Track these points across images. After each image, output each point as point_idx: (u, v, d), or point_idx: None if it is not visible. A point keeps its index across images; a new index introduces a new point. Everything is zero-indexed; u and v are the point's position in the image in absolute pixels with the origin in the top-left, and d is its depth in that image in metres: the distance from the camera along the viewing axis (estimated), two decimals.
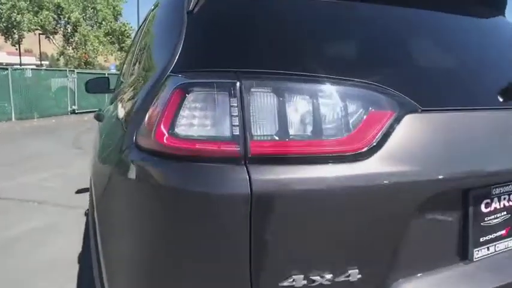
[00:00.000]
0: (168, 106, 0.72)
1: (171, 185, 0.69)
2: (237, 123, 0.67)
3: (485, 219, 0.87)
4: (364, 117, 0.71)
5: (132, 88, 1.13)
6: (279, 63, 0.76)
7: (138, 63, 1.44)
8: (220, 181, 0.66)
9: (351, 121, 0.71)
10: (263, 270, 0.68)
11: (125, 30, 20.80)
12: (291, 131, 0.69)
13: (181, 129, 0.71)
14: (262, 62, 0.77)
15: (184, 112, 0.71)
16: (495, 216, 0.88)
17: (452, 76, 0.88)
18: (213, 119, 0.70)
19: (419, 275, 0.80)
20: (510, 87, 0.87)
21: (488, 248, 0.87)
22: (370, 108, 0.72)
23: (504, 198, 0.88)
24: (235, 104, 0.68)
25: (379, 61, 0.84)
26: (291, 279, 0.69)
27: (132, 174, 0.80)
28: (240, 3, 0.88)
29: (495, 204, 0.87)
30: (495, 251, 0.87)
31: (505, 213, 0.89)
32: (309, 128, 0.70)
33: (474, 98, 0.85)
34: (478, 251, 0.85)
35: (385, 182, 0.69)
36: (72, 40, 19.60)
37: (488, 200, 0.87)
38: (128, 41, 19.41)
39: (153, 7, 1.55)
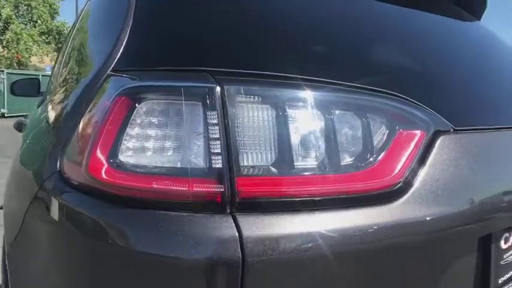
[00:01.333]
0: (109, 121, 0.47)
1: (112, 243, 0.45)
2: (219, 150, 0.44)
3: (504, 256, 0.72)
4: (392, 139, 0.51)
5: (59, 93, 0.85)
6: (272, 64, 0.54)
7: (69, 62, 1.16)
8: (194, 241, 0.43)
9: (375, 146, 0.51)
10: None
11: (63, 30, 19.42)
12: (296, 162, 0.47)
13: (128, 157, 0.47)
14: (247, 60, 0.54)
15: (133, 130, 0.47)
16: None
17: (476, 90, 0.72)
18: (179, 141, 0.46)
19: None
20: None
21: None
22: (398, 128, 0.52)
23: None
24: (215, 121, 0.45)
25: (396, 67, 0.66)
26: None
27: (54, 217, 0.54)
28: None
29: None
30: None
31: None
32: (320, 157, 0.48)
33: (500, 115, 0.69)
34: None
35: (425, 229, 0.50)
36: (2, 38, 17.91)
37: (507, 234, 0.73)
38: None
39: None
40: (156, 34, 0.60)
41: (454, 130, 0.57)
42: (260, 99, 0.47)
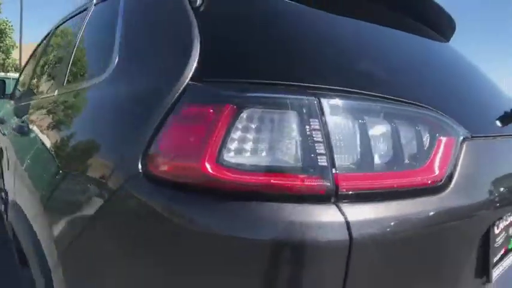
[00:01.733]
0: (218, 126, 0.55)
1: (235, 232, 0.52)
2: (323, 151, 0.54)
3: (496, 240, 0.90)
4: (435, 144, 0.65)
5: (94, 99, 0.87)
6: (346, 80, 0.65)
7: (85, 67, 1.17)
8: (307, 226, 0.52)
9: (425, 149, 0.64)
10: None
11: (5, 28, 17.65)
12: (377, 161, 0.59)
13: (241, 158, 0.55)
14: (322, 75, 0.65)
15: (235, 135, 0.55)
16: (500, 236, 0.92)
17: (477, 104, 0.90)
18: (287, 144, 0.55)
19: None
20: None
21: (499, 267, 0.90)
22: (438, 135, 0.66)
23: (505, 219, 0.94)
24: (317, 127, 0.55)
25: (426, 86, 0.81)
26: None
27: (150, 214, 0.59)
28: None
29: (501, 225, 0.91)
30: (503, 269, 0.92)
31: (504, 232, 0.95)
32: (390, 157, 0.61)
33: (496, 124, 0.87)
34: (494, 271, 0.87)
35: (460, 214, 0.65)
36: None
37: (498, 222, 0.91)
38: (8, 41, 16.59)
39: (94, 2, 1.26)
40: (236, 49, 0.68)
41: (472, 137, 0.73)
42: (347, 110, 0.58)
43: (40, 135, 1.07)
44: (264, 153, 0.55)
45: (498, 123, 0.87)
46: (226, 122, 0.55)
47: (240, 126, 0.55)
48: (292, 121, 0.55)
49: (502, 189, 0.77)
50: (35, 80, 1.85)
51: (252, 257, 0.53)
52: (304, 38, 0.73)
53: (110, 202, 0.66)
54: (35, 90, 1.78)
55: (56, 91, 1.21)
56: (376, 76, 0.73)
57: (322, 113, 0.56)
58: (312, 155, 0.54)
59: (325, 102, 0.57)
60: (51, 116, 1.08)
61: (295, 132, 0.55)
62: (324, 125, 0.55)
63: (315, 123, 0.55)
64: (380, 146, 0.60)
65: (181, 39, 0.71)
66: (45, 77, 1.69)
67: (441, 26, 1.19)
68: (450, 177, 0.65)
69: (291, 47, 0.69)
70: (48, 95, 1.30)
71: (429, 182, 0.62)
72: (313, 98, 0.56)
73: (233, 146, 0.55)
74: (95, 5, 1.28)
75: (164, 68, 0.72)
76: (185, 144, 0.58)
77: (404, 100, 0.66)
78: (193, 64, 0.64)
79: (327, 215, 0.53)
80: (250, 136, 0.55)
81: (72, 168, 0.81)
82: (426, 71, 0.91)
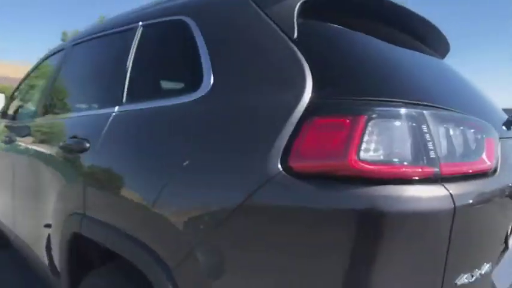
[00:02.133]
0: (357, 132, 0.75)
1: (378, 208, 0.72)
2: (432, 148, 0.77)
3: None
4: (484, 142, 0.91)
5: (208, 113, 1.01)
6: (424, 95, 0.90)
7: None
8: (428, 199, 0.74)
9: (478, 145, 0.90)
10: (454, 270, 0.79)
11: None
12: (458, 154, 0.83)
13: (373, 154, 0.75)
14: (415, 93, 0.90)
15: (369, 137, 0.76)
16: None
17: (485, 110, 1.20)
18: (407, 144, 0.77)
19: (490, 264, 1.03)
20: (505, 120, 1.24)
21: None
22: (484, 136, 0.93)
23: None
24: (426, 131, 0.78)
25: (453, 96, 1.10)
26: (464, 277, 0.82)
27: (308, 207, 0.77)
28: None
29: None
30: None
31: None
32: (460, 151, 0.85)
33: (503, 128, 1.17)
34: (509, 240, 1.15)
35: (503, 191, 0.92)
36: None
37: None
38: None
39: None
40: (339, 74, 0.89)
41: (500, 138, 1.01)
42: (438, 118, 0.82)
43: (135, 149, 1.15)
44: (390, 150, 0.76)
45: (504, 127, 1.17)
46: (361, 128, 0.75)
47: (371, 131, 0.76)
48: (409, 127, 0.77)
49: None
50: (60, 97, 1.90)
51: (392, 227, 0.73)
52: (392, 61, 0.99)
53: (252, 199, 0.81)
54: (64, 107, 1.84)
55: (116, 107, 1.31)
56: (435, 93, 0.99)
57: (426, 121, 0.79)
58: (425, 151, 0.77)
59: (427, 113, 0.80)
60: (144, 129, 1.17)
61: (411, 135, 0.77)
62: (428, 129, 0.78)
63: (424, 128, 0.78)
64: (456, 143, 0.84)
65: (289, 62, 0.90)
66: (82, 94, 1.77)
67: (442, 49, 1.52)
68: (496, 166, 0.91)
69: (400, 73, 0.94)
70: (102, 111, 1.38)
71: (487, 168, 0.88)
72: (420, 110, 0.79)
73: (368, 145, 0.75)
74: (142, 26, 1.41)
75: (281, 89, 0.89)
76: (329, 145, 0.77)
77: (458, 111, 0.92)
78: (310, 86, 0.84)
79: (439, 191, 0.76)
80: (379, 138, 0.76)
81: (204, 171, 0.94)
82: (448, 86, 1.20)
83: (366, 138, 0.75)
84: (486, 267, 0.90)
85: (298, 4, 0.98)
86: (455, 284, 0.81)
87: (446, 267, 0.77)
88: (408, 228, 0.74)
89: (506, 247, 1.10)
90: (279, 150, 0.80)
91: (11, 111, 2.61)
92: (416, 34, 1.34)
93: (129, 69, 1.37)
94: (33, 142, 1.84)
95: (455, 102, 1.07)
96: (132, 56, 1.39)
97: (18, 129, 2.14)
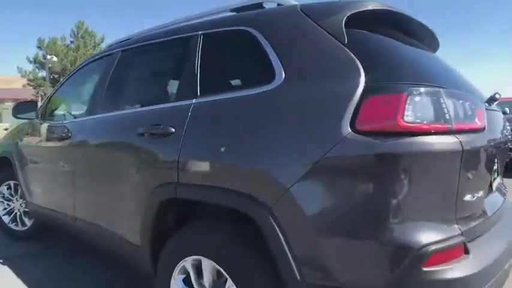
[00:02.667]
0: (404, 103, 1.17)
1: (421, 150, 1.15)
2: (447, 112, 1.21)
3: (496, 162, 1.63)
4: (477, 110, 1.36)
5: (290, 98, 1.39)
6: (438, 80, 1.35)
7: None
8: (447, 143, 1.18)
9: (475, 112, 1.34)
10: (463, 190, 1.23)
11: None
12: (461, 117, 1.27)
13: (407, 117, 1.17)
14: (430, 79, 1.34)
15: (413, 105, 1.18)
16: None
17: (471, 90, 1.65)
18: (435, 111, 1.20)
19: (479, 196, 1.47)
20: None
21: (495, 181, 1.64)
22: (476, 106, 1.37)
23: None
24: (443, 101, 1.21)
25: (452, 80, 1.57)
26: (468, 196, 1.26)
27: (373, 156, 1.18)
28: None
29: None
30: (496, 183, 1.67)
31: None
32: (465, 116, 1.29)
33: (485, 103, 1.63)
34: (493, 184, 1.61)
35: (490, 142, 1.37)
36: None
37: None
38: None
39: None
40: (383, 66, 1.32)
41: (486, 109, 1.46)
42: (448, 94, 1.25)
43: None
44: (422, 114, 1.19)
45: (486, 103, 1.63)
46: (403, 101, 1.18)
47: (409, 102, 1.18)
48: (432, 100, 1.20)
49: (498, 135, 1.52)
50: (124, 95, 2.26)
51: (425, 161, 1.16)
52: (411, 56, 1.44)
53: (334, 149, 1.20)
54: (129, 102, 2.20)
55: (194, 100, 1.68)
56: (437, 77, 1.44)
57: (442, 96, 1.22)
58: (442, 114, 1.20)
59: (442, 91, 1.23)
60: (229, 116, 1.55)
61: (434, 105, 1.20)
62: (444, 101, 1.21)
63: (441, 100, 1.21)
64: (460, 110, 1.28)
65: (346, 61, 1.32)
66: (145, 89, 2.13)
67: (435, 46, 1.98)
68: (484, 126, 1.36)
69: (415, 65, 1.38)
70: (179, 103, 1.74)
71: (479, 127, 1.33)
72: (437, 89, 1.23)
73: (408, 112, 1.17)
74: (203, 35, 1.79)
75: (338, 80, 1.31)
76: (382, 113, 1.19)
77: (458, 89, 1.37)
78: (361, 75, 1.26)
79: (453, 139, 1.19)
80: (414, 107, 1.18)
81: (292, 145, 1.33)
82: (445, 73, 1.65)
83: (406, 107, 1.17)
84: (481, 193, 1.35)
85: (344, 18, 1.40)
86: (463, 199, 1.25)
87: (459, 187, 1.21)
88: (436, 161, 1.17)
89: (491, 188, 1.56)
90: (348, 119, 1.21)
91: (49, 113, 2.92)
92: (420, 36, 1.79)
93: (198, 69, 1.75)
94: (104, 133, 2.16)
95: (453, 84, 1.52)
96: (199, 58, 1.77)
97: (75, 124, 2.44)
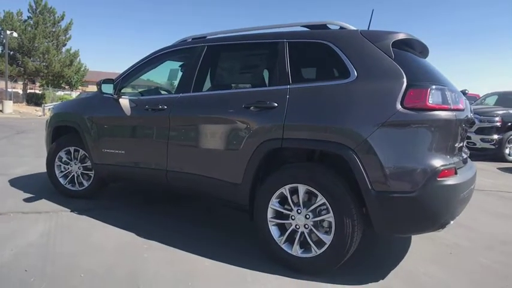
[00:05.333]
0: (429, 94, 2.25)
1: (441, 117, 2.24)
2: (449, 100, 2.31)
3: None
4: (460, 98, 2.48)
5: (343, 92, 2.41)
6: (445, 83, 2.44)
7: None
8: (450, 115, 2.29)
9: (459, 99, 2.46)
10: (452, 143, 2.36)
11: None
12: (454, 102, 2.37)
13: (430, 101, 2.25)
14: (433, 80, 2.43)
15: (433, 95, 2.26)
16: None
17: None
18: (443, 98, 2.28)
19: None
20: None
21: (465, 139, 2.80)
22: (460, 96, 2.49)
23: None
24: (447, 94, 2.31)
25: (442, 79, 2.68)
26: (457, 145, 2.39)
27: (412, 120, 2.24)
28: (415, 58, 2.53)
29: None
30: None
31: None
32: (455, 101, 2.40)
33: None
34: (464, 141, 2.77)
35: (467, 117, 2.51)
36: None
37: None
38: None
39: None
40: (415, 71, 2.39)
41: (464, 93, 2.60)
42: (448, 90, 2.36)
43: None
44: (437, 100, 2.27)
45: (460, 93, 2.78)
46: (428, 92, 2.26)
47: (431, 94, 2.26)
48: (442, 93, 2.30)
49: (468, 113, 2.68)
50: (220, 79, 3.15)
51: (440, 123, 2.27)
52: (426, 66, 2.53)
53: (391, 118, 2.25)
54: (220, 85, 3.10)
55: (288, 86, 2.62)
56: (438, 77, 2.54)
57: (446, 91, 2.33)
58: (447, 100, 2.31)
59: (445, 88, 2.34)
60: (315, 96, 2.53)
61: (443, 95, 2.30)
62: (447, 94, 2.32)
63: (446, 93, 2.32)
64: (453, 98, 2.39)
65: (394, 68, 2.37)
66: (238, 75, 3.05)
67: (426, 54, 3.11)
68: (464, 108, 2.50)
69: (426, 70, 2.48)
70: (277, 87, 2.67)
71: (462, 108, 2.46)
72: (443, 87, 2.33)
73: (431, 98, 2.25)
74: (288, 42, 2.75)
75: (391, 79, 2.35)
76: (417, 99, 2.25)
77: (451, 85, 2.49)
78: (404, 77, 2.32)
79: (452, 113, 2.32)
80: (433, 96, 2.27)
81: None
82: (438, 73, 2.76)
83: (429, 96, 2.25)
84: (460, 144, 2.48)
85: (391, 42, 2.45)
86: (453, 146, 2.36)
87: (452, 139, 2.33)
88: (443, 124, 2.28)
89: (463, 144, 2.72)
90: (399, 101, 2.26)
91: (129, 90, 3.64)
92: (419, 49, 2.90)
93: (288, 65, 2.69)
94: (210, 106, 2.99)
95: (444, 81, 2.63)
96: (288, 58, 2.71)
97: (173, 99, 3.20)
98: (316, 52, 2.70)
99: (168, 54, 3.52)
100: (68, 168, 4.11)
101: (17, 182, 4.73)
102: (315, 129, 2.47)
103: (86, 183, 4.05)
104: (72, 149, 4.05)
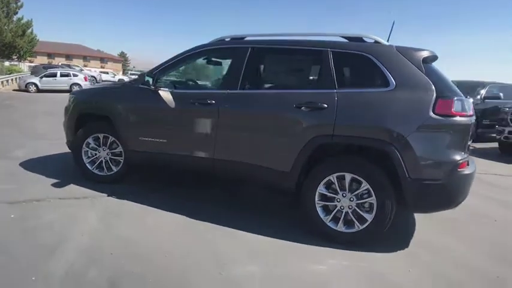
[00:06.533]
0: (453, 104, 2.85)
1: (456, 122, 2.87)
2: (467, 108, 2.93)
3: None
4: (471, 106, 3.13)
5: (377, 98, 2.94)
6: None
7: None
8: (468, 120, 2.92)
9: (471, 107, 3.11)
10: (468, 143, 3.01)
11: None
12: (469, 110, 3.01)
13: (454, 109, 2.87)
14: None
15: (456, 105, 2.87)
16: None
17: None
18: (462, 107, 2.90)
19: None
20: None
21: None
22: (469, 104, 3.14)
23: None
24: (465, 103, 2.94)
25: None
26: (468, 147, 3.06)
27: (441, 124, 2.84)
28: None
29: None
30: None
31: None
32: (469, 109, 3.04)
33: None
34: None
35: (474, 121, 3.19)
36: None
37: None
38: None
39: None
40: (441, 84, 2.98)
41: None
42: (466, 99, 2.99)
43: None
44: (460, 108, 2.89)
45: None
46: (453, 102, 2.86)
47: (455, 103, 2.87)
48: (462, 103, 2.92)
49: (474, 118, 3.35)
50: (269, 78, 3.52)
51: (461, 126, 2.90)
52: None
53: (423, 127, 2.84)
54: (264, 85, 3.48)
55: (334, 90, 3.09)
56: (454, 88, 3.16)
57: (464, 101, 2.95)
58: (466, 109, 2.93)
59: (465, 97, 2.96)
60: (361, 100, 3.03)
61: (463, 104, 2.92)
62: (465, 102, 2.94)
63: (465, 102, 2.94)
64: (468, 107, 3.02)
65: (426, 81, 2.93)
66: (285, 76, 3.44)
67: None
68: (473, 114, 3.16)
69: (446, 81, 3.08)
70: (323, 91, 3.13)
71: (472, 114, 3.10)
72: (463, 97, 2.96)
73: (455, 106, 2.87)
74: (332, 51, 3.21)
75: (423, 90, 2.91)
76: (444, 107, 2.85)
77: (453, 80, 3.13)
78: (434, 89, 2.90)
79: (468, 119, 2.95)
80: (456, 105, 2.88)
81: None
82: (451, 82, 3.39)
83: (454, 104, 2.86)
84: (469, 141, 3.15)
85: (421, 58, 3.01)
86: (467, 143, 3.01)
87: (466, 138, 2.97)
88: (462, 127, 2.92)
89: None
90: (431, 108, 2.85)
91: (164, 82, 3.87)
92: (434, 59, 3.49)
93: (334, 71, 3.16)
94: (261, 103, 3.36)
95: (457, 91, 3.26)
96: (333, 65, 3.18)
97: (221, 94, 3.52)
98: (358, 62, 3.18)
99: (208, 51, 3.80)
100: (96, 154, 4.26)
101: (30, 166, 4.74)
102: (363, 128, 2.99)
103: (114, 168, 4.24)
104: (101, 135, 4.20)
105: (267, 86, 3.58)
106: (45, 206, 3.50)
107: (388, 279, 2.62)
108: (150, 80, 3.69)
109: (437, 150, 2.87)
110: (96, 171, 4.27)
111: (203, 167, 3.69)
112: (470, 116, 3.02)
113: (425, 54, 3.08)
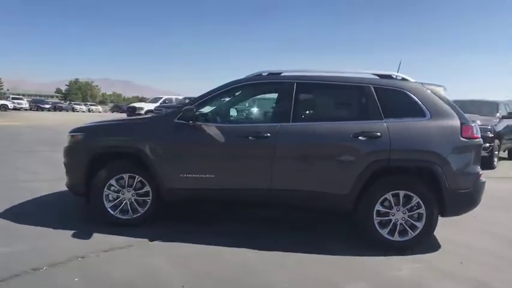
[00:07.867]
0: (474, 129, 3.71)
1: (475, 143, 3.73)
2: (477, 132, 3.83)
3: None
4: (479, 129, 4.05)
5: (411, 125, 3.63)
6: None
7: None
8: (479, 141, 3.80)
9: (479, 131, 4.03)
10: (480, 157, 3.91)
11: None
12: (479, 133, 3.90)
13: (474, 133, 3.73)
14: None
15: (475, 129, 3.73)
16: None
17: None
18: (477, 131, 3.77)
19: None
20: None
21: None
22: (476, 129, 4.06)
23: None
24: (477, 128, 3.82)
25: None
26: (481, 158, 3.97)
27: (467, 145, 3.66)
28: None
29: None
30: None
31: None
32: (479, 132, 3.94)
33: None
34: None
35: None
36: None
37: None
38: None
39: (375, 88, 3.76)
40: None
41: None
42: (475, 124, 3.89)
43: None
44: (476, 132, 3.76)
45: None
46: (474, 127, 3.72)
47: (473, 129, 3.73)
48: (475, 127, 3.80)
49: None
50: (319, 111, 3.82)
51: (479, 146, 3.77)
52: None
53: (456, 148, 3.61)
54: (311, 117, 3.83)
55: (378, 121, 3.65)
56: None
57: (477, 127, 3.85)
58: (478, 132, 3.82)
59: (475, 123, 3.86)
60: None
61: (477, 130, 3.80)
62: (478, 128, 3.84)
63: (477, 127, 3.83)
64: (479, 131, 3.92)
65: (449, 110, 3.73)
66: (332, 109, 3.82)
67: None
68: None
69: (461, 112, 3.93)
70: (368, 122, 3.65)
71: (478, 137, 4.04)
72: (474, 123, 3.84)
73: (474, 131, 3.72)
74: (373, 87, 3.79)
75: (451, 119, 3.69)
76: (468, 132, 3.68)
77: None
78: (457, 117, 3.72)
79: (480, 140, 3.82)
80: (475, 130, 3.74)
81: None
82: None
83: (473, 129, 3.72)
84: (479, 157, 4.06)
85: (441, 92, 3.82)
86: (479, 158, 3.90)
87: (480, 157, 3.86)
88: (478, 147, 3.78)
89: None
90: (459, 133, 3.64)
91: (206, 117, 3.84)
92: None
93: (379, 104, 3.72)
94: (319, 134, 3.65)
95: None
96: (377, 99, 3.73)
97: (274, 127, 3.68)
98: (397, 96, 3.79)
99: (248, 86, 3.93)
100: (120, 197, 3.87)
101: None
102: (415, 152, 3.61)
103: (141, 210, 3.92)
104: (126, 175, 3.85)
105: (318, 118, 3.91)
106: (96, 262, 3.09)
107: (448, 272, 3.24)
108: (190, 114, 3.66)
109: (466, 165, 3.67)
110: (119, 215, 3.88)
111: (258, 198, 3.77)
112: (480, 138, 3.91)
113: (442, 88, 3.89)
